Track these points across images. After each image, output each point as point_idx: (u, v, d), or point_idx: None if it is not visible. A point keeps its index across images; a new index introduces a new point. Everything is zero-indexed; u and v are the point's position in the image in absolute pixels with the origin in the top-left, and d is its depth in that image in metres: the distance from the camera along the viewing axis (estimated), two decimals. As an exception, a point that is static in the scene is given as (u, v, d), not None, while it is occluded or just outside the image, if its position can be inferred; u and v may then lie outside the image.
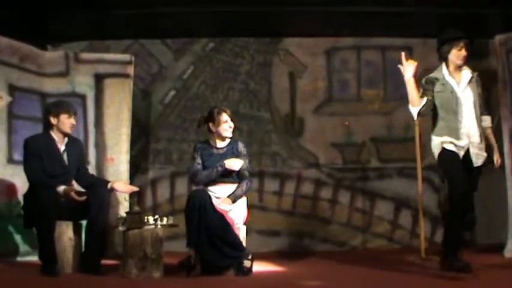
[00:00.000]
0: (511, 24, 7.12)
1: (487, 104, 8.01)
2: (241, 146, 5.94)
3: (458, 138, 5.30)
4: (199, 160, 5.85)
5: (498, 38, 7.04)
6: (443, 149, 5.33)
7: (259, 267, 6.02)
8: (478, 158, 5.37)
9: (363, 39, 8.33)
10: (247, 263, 5.54)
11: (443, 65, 5.46)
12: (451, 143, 5.31)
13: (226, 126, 5.88)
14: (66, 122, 5.77)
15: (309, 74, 8.31)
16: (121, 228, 5.49)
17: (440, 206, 7.97)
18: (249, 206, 6.03)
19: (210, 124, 5.91)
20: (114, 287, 5.09)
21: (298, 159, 8.17)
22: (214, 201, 5.61)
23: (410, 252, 7.06)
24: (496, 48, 7.13)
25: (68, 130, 5.79)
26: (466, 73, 5.45)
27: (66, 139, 5.83)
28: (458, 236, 5.30)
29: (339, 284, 5.10)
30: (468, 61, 5.48)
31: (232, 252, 5.50)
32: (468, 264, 5.06)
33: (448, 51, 5.40)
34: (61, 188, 5.56)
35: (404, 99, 7.28)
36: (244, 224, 5.87)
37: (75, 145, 5.96)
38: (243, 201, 5.86)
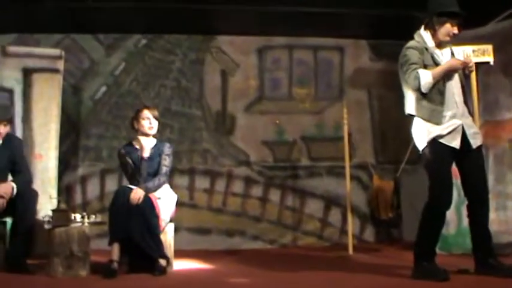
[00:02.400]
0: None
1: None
2: (166, 148, 5.85)
3: (441, 122, 4.74)
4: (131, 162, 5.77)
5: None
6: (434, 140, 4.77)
7: (187, 264, 6.02)
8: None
9: (295, 39, 8.38)
10: (162, 262, 5.43)
11: (429, 35, 4.83)
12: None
13: (146, 123, 5.81)
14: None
15: (241, 72, 8.32)
16: (47, 226, 5.41)
17: (369, 204, 8.12)
18: (179, 204, 6.01)
19: (134, 122, 5.86)
20: (39, 286, 5.01)
21: (229, 157, 8.18)
22: None
23: (339, 250, 7.18)
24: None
25: None
26: (447, 50, 4.96)
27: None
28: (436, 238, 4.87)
29: (264, 281, 5.13)
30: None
31: (150, 240, 5.38)
32: (444, 271, 4.64)
33: (442, 24, 4.77)
34: None
35: (334, 99, 7.35)
36: (172, 221, 5.83)
37: (11, 143, 5.84)
38: (171, 198, 5.79)
